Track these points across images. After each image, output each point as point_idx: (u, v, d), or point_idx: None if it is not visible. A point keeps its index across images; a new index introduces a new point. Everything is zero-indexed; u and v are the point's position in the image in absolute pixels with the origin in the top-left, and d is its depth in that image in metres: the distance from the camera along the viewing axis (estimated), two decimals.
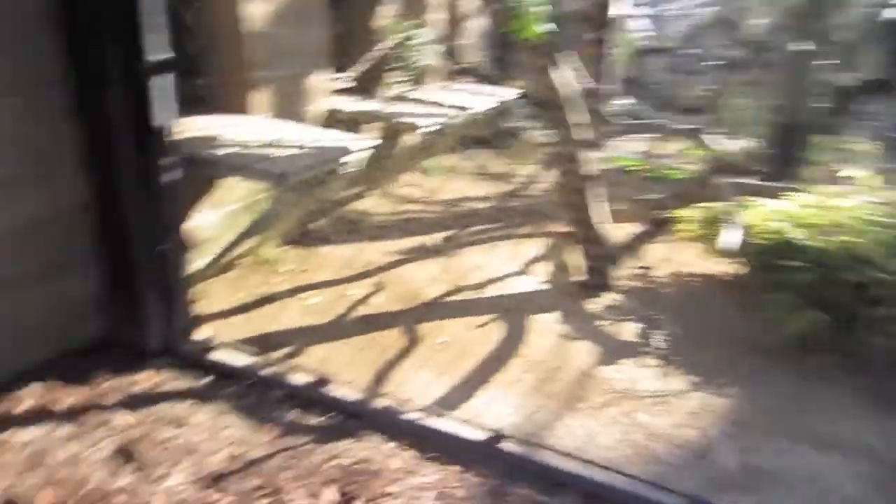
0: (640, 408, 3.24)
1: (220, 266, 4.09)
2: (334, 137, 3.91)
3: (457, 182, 7.18)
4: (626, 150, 8.20)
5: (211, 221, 3.96)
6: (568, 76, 4.56)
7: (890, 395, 3.58)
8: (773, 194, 4.92)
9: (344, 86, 6.01)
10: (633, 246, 5.25)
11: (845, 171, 5.26)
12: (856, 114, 9.16)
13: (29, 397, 2.62)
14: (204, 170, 3.33)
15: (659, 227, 5.55)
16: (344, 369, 3.24)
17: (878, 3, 8.71)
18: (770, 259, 4.46)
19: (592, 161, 4.69)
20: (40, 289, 2.81)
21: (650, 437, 3.00)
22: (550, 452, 2.68)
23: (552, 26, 4.27)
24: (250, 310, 3.84)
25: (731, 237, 3.98)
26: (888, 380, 3.69)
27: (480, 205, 6.42)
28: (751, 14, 12.00)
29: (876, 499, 2.69)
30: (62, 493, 2.10)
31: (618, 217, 5.28)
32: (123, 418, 2.58)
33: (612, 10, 6.02)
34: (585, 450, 2.76)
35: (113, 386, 2.78)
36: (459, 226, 5.51)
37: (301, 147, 3.54)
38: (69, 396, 2.67)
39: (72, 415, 2.57)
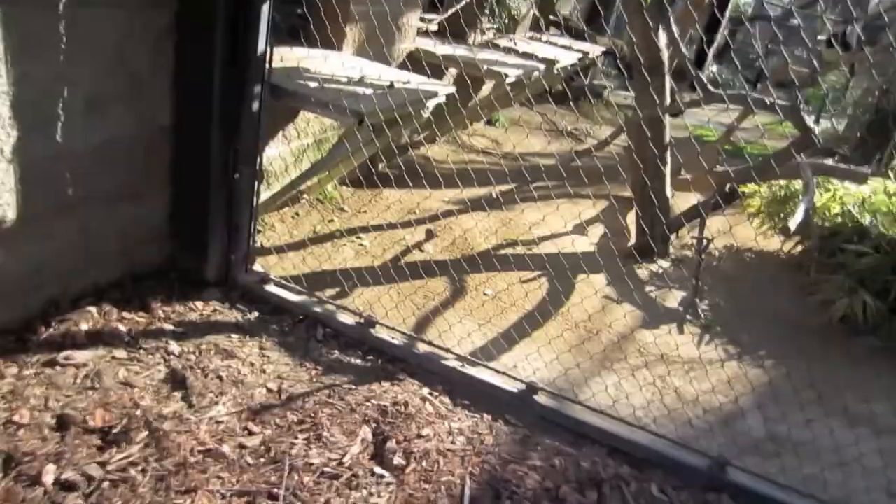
0: (674, 372, 3.28)
1: (283, 200, 4.24)
2: (418, 81, 3.94)
3: (524, 135, 7.14)
4: (709, 119, 7.95)
5: (281, 154, 4.08)
6: (665, 40, 4.44)
7: None
8: (852, 178, 4.73)
9: (433, 28, 5.99)
10: (695, 216, 5.15)
11: None
12: None
13: (87, 319, 2.66)
14: (288, 101, 3.38)
15: (726, 200, 5.41)
16: (390, 313, 3.37)
17: None
18: (833, 242, 4.35)
19: (666, 128, 4.60)
20: (110, 210, 2.78)
21: (680, 401, 3.05)
22: (580, 407, 2.75)
23: None
24: (307, 246, 3.98)
25: (798, 217, 3.88)
26: None
27: (546, 161, 6.40)
28: None
29: (881, 460, 2.66)
30: (113, 416, 2.20)
31: (686, 186, 5.19)
32: (176, 345, 2.67)
33: None
34: (616, 408, 2.82)
35: (168, 312, 2.87)
36: (522, 180, 5.53)
37: (384, 88, 3.59)
38: (126, 320, 2.75)
39: (127, 339, 2.63)
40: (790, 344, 3.78)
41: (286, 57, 3.53)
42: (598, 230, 5.06)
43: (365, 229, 4.37)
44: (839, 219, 4.46)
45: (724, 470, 2.52)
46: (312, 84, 3.39)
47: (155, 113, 2.84)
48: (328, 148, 4.47)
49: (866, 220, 4.30)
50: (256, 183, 3.11)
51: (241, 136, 2.95)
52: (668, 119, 4.46)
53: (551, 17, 9.21)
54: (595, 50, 7.99)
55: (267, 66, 2.90)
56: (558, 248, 4.56)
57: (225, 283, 3.19)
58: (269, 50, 2.87)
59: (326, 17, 3.54)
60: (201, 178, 2.99)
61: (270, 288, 3.19)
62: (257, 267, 3.32)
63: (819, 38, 13.04)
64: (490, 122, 7.73)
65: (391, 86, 3.62)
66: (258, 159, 3.05)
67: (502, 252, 4.36)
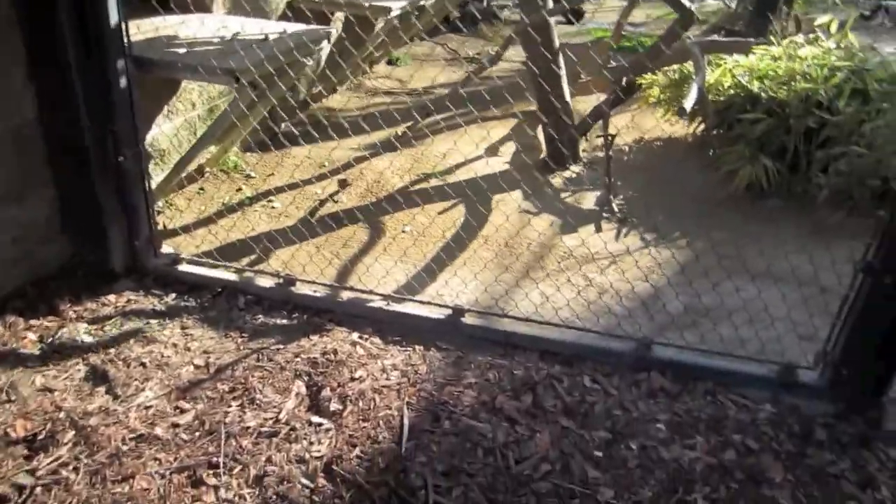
0: (593, 269, 3.39)
1: (182, 176, 4.11)
2: (295, 29, 3.81)
3: (428, 70, 7.04)
4: (602, 20, 8.01)
5: (171, 129, 3.94)
6: None
7: (828, 228, 3.74)
8: (738, 50, 4.85)
9: None
10: (599, 116, 5.23)
11: (819, 20, 5.16)
12: None
13: None
14: (157, 72, 3.24)
15: (626, 94, 5.50)
16: (308, 268, 3.36)
17: None
18: (729, 115, 4.49)
19: (553, 32, 4.60)
20: None
21: (602, 294, 3.17)
22: (507, 320, 2.82)
23: None
24: (215, 220, 3.91)
25: (691, 97, 3.98)
26: (829, 215, 3.84)
27: (449, 90, 6.35)
28: None
29: (798, 313, 2.84)
30: (35, 423, 2.14)
31: (585, 88, 5.24)
32: (93, 342, 2.60)
33: None
34: (541, 313, 2.90)
35: (80, 311, 2.79)
36: (428, 114, 5.49)
37: (258, 42, 3.46)
38: (34, 328, 2.66)
39: (40, 346, 2.56)
40: (701, 220, 3.95)
41: (155, 26, 3.37)
42: (510, 148, 5.09)
43: (273, 192, 4.30)
44: (732, 91, 4.59)
45: (649, 349, 2.63)
46: (181, 50, 3.25)
47: (17, 106, 2.71)
48: (219, 115, 4.32)
49: (755, 87, 4.44)
50: (144, 163, 3.01)
51: (115, 117, 2.82)
52: (553, 22, 4.46)
53: None
54: None
55: (125, 38, 2.76)
56: (473, 173, 4.59)
57: (135, 271, 3.10)
58: (123, 22, 2.73)
59: None
60: (82, 167, 2.87)
61: (184, 267, 3.12)
62: (167, 249, 3.24)
63: None
64: (391, 62, 7.59)
65: (265, 39, 3.50)
66: (138, 138, 2.93)
67: (416, 188, 4.36)
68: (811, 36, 4.90)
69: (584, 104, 5.36)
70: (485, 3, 9.61)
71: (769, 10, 6.57)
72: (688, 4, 4.31)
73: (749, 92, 4.46)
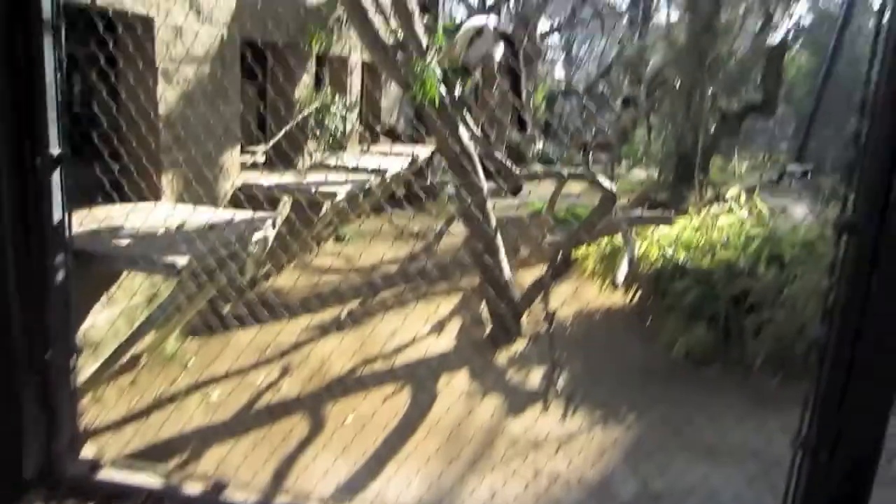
0: (542, 456, 3.30)
1: (116, 368, 3.96)
2: (241, 217, 3.90)
3: (377, 246, 7.22)
4: (540, 194, 8.48)
5: (108, 320, 3.84)
6: (468, 133, 4.72)
7: (767, 395, 3.80)
8: (661, 222, 5.17)
9: (260, 160, 6.04)
10: (539, 290, 5.38)
11: (729, 191, 5.59)
12: (743, 134, 9.81)
13: None
14: (98, 265, 3.22)
15: (566, 267, 5.72)
16: (243, 469, 3.17)
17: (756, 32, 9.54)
18: (661, 284, 4.68)
19: (490, 211, 4.83)
20: None
21: (552, 483, 3.06)
22: None
23: (456, 85, 4.43)
24: (147, 414, 3.72)
25: (623, 269, 4.16)
26: (766, 381, 3.91)
27: (397, 267, 6.49)
28: (649, 53, 12.92)
29: (747, 492, 2.77)
30: None
31: (526, 262, 5.44)
32: None
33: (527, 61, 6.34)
34: None
35: None
36: (375, 292, 5.56)
37: (203, 231, 3.52)
38: None
39: None
40: (645, 392, 3.95)
41: (104, 215, 3.42)
42: (457, 324, 5.13)
43: (211, 380, 4.15)
44: (660, 262, 4.82)
45: None
46: (124, 241, 3.29)
47: None
48: (159, 303, 4.28)
49: (681, 257, 4.67)
50: (74, 359, 2.89)
51: (49, 310, 2.74)
52: (491, 201, 4.71)
53: (378, 129, 9.64)
54: (424, 152, 8.38)
55: (67, 232, 2.78)
56: (418, 355, 4.57)
57: (51, 478, 2.86)
58: (67, 216, 2.75)
59: (141, 173, 3.50)
60: (6, 363, 2.74)
61: (104, 474, 2.87)
62: (87, 452, 3.03)
63: (617, 101, 14.67)
64: (339, 239, 7.79)
65: (210, 228, 3.58)
66: (69, 334, 2.85)
67: (360, 372, 4.29)
68: (725, 206, 5.28)
69: (527, 277, 5.52)
70: (429, 182, 10.15)
71: (687, 179, 7.13)
72: (608, 186, 4.64)
73: (676, 262, 4.70)
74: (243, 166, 6.07)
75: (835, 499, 2.19)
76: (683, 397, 3.92)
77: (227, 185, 5.07)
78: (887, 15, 1.39)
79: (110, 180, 3.99)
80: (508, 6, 15.46)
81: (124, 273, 3.91)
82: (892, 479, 3.07)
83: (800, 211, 6.76)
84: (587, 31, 24.38)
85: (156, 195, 4.15)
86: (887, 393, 1.73)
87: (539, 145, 15.30)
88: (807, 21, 17.25)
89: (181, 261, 3.15)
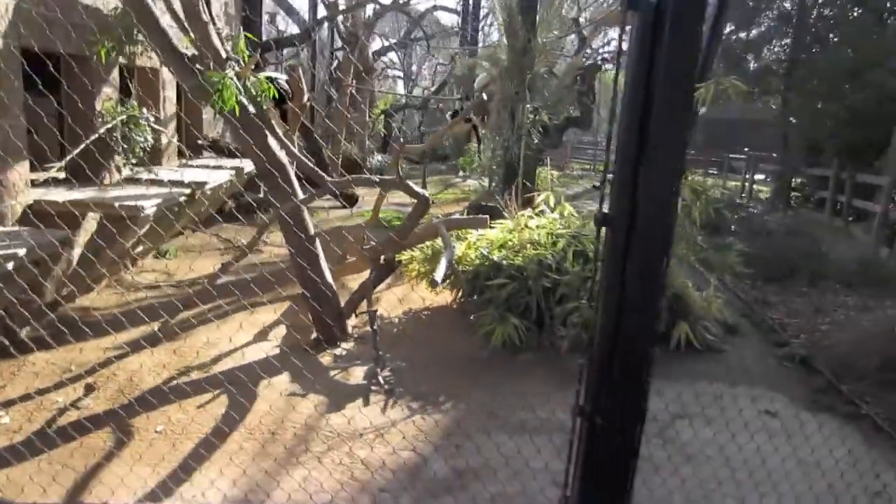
0: (360, 445, 3.35)
1: None
2: (25, 235, 3.56)
3: (204, 261, 6.91)
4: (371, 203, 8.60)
5: None
6: (277, 146, 4.68)
7: (573, 374, 4.15)
8: (477, 226, 5.46)
9: (60, 175, 5.57)
10: (363, 293, 5.45)
11: (541, 196, 6.02)
12: (561, 145, 10.62)
13: None
14: None
15: (389, 272, 5.83)
16: (42, 490, 2.90)
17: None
18: (479, 282, 4.94)
19: (309, 219, 4.83)
20: None
21: (370, 470, 3.11)
22: None
23: (262, 97, 4.37)
24: None
25: (441, 270, 4.33)
26: (571, 363, 4.25)
27: (220, 279, 6.24)
28: (477, 71, 13.70)
29: (555, 463, 2.99)
30: None
31: (354, 268, 5.48)
32: None
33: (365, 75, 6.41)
34: (309, 500, 2.75)
35: None
36: (194, 305, 5.32)
37: None
38: None
39: None
40: (463, 381, 4.15)
41: None
42: (282, 332, 5.05)
43: (6, 405, 3.76)
44: (478, 261, 5.09)
45: None
46: None
47: None
48: None
49: (496, 256, 4.97)
50: None
51: None
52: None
53: (199, 141, 9.26)
54: (249, 164, 8.16)
55: None
56: (239, 360, 4.45)
57: None
58: None
59: None
60: None
61: None
62: None
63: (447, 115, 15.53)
64: (160, 254, 7.37)
65: None
66: None
67: (173, 384, 4.09)
68: (537, 209, 5.69)
69: (356, 282, 5.56)
70: (261, 194, 9.90)
71: (510, 185, 7.60)
72: (421, 192, 4.86)
73: (492, 261, 4.99)
74: (34, 183, 5.60)
75: (612, 454, 2.45)
76: (498, 383, 4.16)
77: (14, 203, 4.64)
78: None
79: None
80: (337, 23, 15.55)
81: None
82: (666, 440, 3.47)
83: None
84: (424, 50, 25.27)
85: None
86: (645, 364, 1.99)
87: (378, 157, 15.58)
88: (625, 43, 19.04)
89: None
